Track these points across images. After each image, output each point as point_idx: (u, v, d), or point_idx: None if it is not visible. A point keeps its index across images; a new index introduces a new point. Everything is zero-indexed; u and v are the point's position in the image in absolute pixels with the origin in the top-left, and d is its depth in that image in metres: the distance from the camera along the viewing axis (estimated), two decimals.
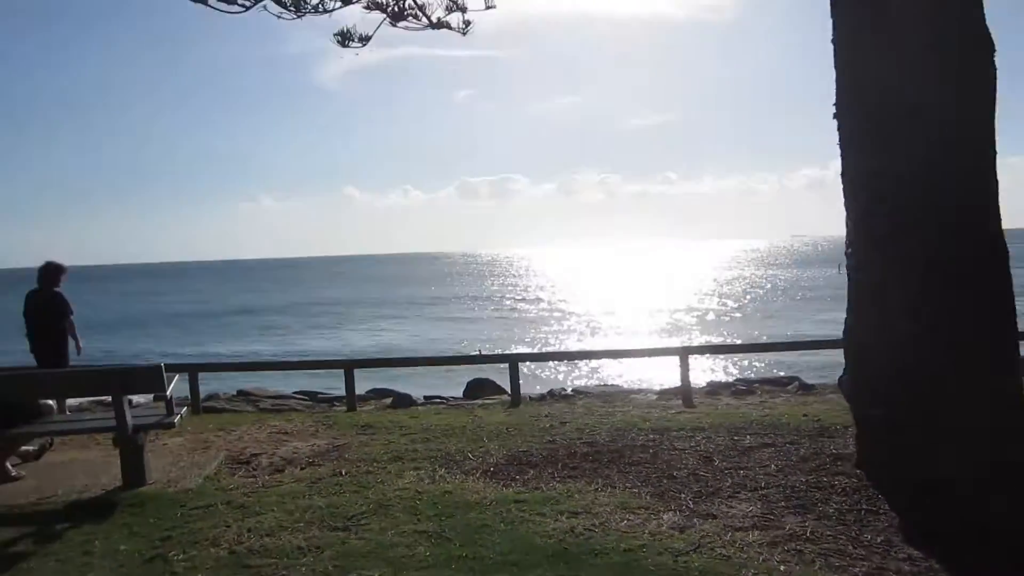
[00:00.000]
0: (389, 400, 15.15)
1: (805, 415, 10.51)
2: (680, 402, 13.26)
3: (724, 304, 71.89)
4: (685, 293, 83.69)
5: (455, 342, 49.86)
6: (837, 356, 7.99)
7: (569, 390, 16.29)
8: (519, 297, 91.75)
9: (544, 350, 43.67)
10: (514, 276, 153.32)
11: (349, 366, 14.27)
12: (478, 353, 45.39)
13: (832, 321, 51.21)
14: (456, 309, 76.34)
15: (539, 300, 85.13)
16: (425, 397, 16.16)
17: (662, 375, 17.30)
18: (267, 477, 8.09)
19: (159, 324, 69.50)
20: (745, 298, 77.11)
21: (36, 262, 11.65)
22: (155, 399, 8.28)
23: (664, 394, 14.84)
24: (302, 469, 8.38)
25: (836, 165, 7.24)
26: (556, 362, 32.22)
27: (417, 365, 19.75)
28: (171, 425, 8.15)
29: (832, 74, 7.11)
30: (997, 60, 6.62)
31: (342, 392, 15.63)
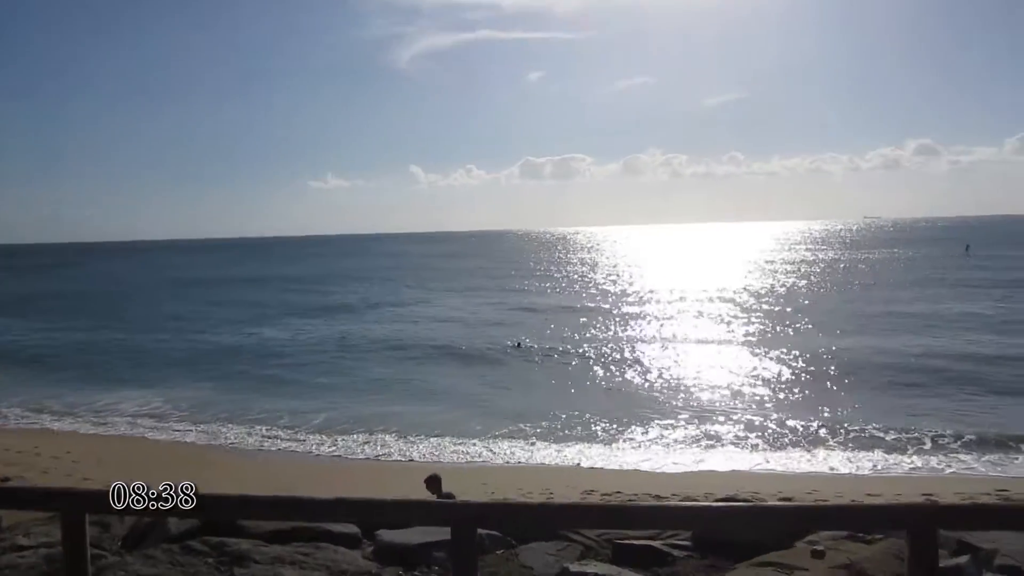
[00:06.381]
0: None
1: None
2: None
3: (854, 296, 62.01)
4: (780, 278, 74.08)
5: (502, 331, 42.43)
6: None
7: None
8: (577, 282, 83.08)
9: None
10: (575, 258, 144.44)
11: (465, 522, 5.49)
12: (517, 345, 40.76)
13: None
14: (506, 294, 68.08)
15: (595, 286, 76.10)
16: None
17: None
18: None
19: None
20: (864, 284, 66.89)
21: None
22: None
23: None
24: None
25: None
26: None
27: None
28: None
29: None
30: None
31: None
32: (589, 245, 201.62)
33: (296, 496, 4.77)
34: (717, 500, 18.02)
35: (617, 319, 47.79)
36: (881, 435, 22.37)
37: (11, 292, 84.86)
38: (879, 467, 20.33)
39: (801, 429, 23.25)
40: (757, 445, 22.20)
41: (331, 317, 52.85)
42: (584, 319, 47.78)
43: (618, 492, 18.46)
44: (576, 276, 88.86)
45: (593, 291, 68.44)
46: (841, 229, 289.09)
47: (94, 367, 36.63)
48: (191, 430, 25.25)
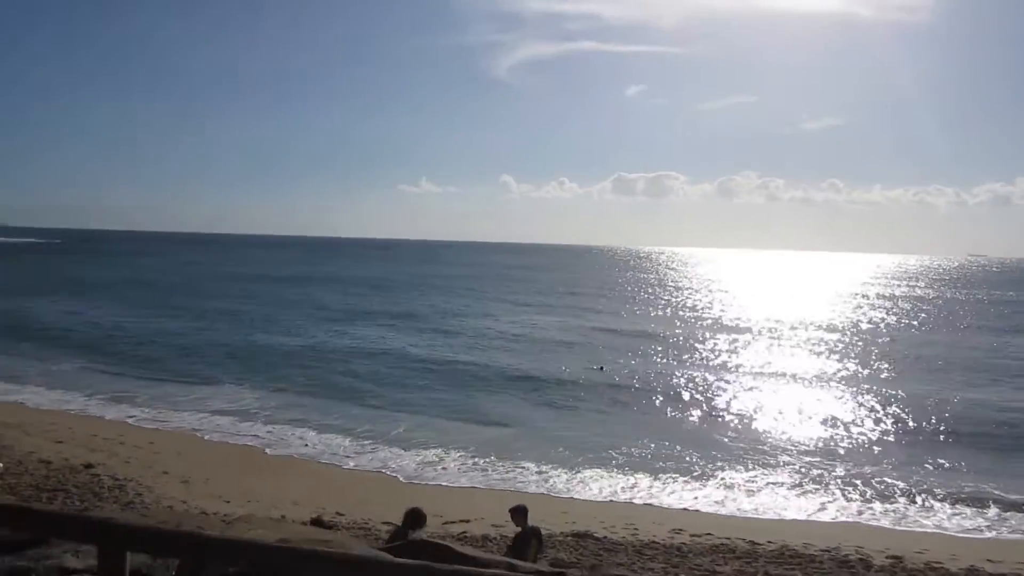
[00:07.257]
0: None
1: None
2: None
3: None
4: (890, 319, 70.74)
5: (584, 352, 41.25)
6: None
7: None
8: (664, 306, 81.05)
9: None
10: (663, 279, 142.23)
11: None
12: (600, 369, 36.84)
13: None
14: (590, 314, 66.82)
15: (683, 310, 74.05)
16: None
17: None
18: None
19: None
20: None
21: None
22: None
23: None
24: None
25: None
26: None
27: None
28: None
29: None
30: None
31: None
32: (679, 267, 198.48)
33: (368, 557, 3.96)
34: (819, 551, 16.70)
35: (705, 347, 46.13)
36: (1000, 495, 20.43)
37: (111, 276, 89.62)
38: (1000, 529, 18.51)
39: (909, 481, 21.46)
40: (864, 493, 20.52)
41: (413, 325, 52.73)
42: (670, 345, 46.27)
43: (708, 534, 17.25)
44: (663, 299, 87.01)
45: (681, 316, 66.66)
46: (941, 266, 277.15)
47: (173, 358, 37.30)
48: (270, 431, 25.08)
